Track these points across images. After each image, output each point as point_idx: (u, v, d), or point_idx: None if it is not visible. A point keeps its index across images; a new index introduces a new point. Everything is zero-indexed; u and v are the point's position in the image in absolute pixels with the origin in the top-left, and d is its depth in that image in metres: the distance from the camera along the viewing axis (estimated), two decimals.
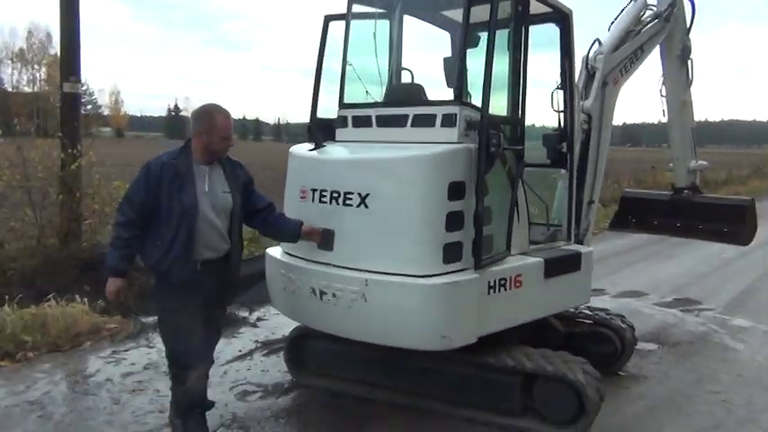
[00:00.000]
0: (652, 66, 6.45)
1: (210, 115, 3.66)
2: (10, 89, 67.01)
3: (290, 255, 4.30)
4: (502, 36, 4.18)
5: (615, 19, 5.96)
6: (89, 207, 7.58)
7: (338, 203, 3.97)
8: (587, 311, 5.24)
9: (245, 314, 6.56)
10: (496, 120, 3.99)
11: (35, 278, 6.52)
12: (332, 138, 4.58)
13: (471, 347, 3.89)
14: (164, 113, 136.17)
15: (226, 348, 5.55)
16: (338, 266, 3.90)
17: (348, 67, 4.60)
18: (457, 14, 5.17)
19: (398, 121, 4.19)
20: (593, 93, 5.44)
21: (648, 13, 6.17)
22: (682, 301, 7.51)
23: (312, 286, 3.99)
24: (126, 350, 5.48)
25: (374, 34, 4.66)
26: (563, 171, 5.01)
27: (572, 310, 5.08)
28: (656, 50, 6.29)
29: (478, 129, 3.90)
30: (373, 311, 3.74)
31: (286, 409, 4.39)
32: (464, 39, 4.06)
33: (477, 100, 4.08)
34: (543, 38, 4.82)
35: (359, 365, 4.49)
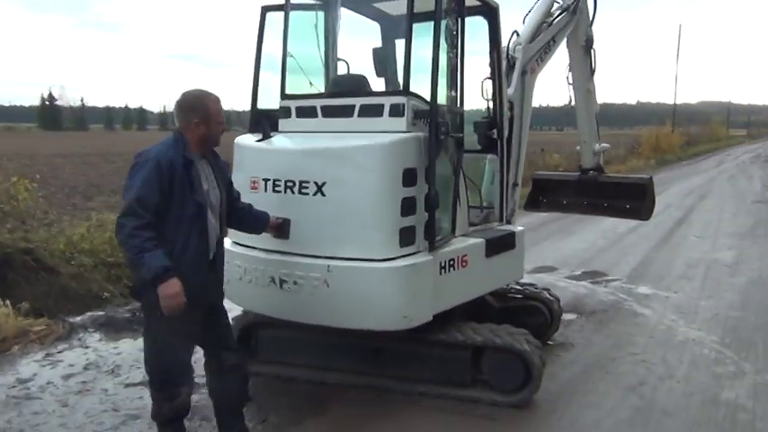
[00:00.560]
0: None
1: (204, 103, 3.40)
2: None
3: (242, 245, 4.33)
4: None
5: (529, 11, 6.32)
6: None
7: (293, 192, 4.04)
8: (517, 287, 5.60)
9: None
10: (442, 109, 4.19)
11: None
12: (274, 129, 4.62)
13: (422, 326, 4.11)
14: (36, 102, 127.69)
15: None
16: (298, 254, 3.99)
17: (288, 58, 4.66)
18: (389, 6, 5.36)
19: (345, 112, 4.30)
20: (514, 82, 5.76)
21: (557, 5, 6.60)
22: (590, 274, 8.12)
23: (271, 275, 4.06)
24: (59, 352, 5.29)
25: (315, 25, 4.74)
26: (491, 156, 5.33)
27: (505, 286, 5.42)
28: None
29: (428, 117, 4.10)
30: (336, 297, 3.87)
31: None
32: (409, 30, 4.19)
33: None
34: (471, 30, 5.08)
35: (312, 350, 4.59)
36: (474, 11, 4.92)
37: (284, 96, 4.62)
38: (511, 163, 5.58)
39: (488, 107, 5.17)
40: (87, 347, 5.40)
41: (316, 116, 4.42)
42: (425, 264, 3.99)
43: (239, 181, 4.42)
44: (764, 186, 19.46)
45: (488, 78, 5.11)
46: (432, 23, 4.22)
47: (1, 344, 5.30)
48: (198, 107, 3.39)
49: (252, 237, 4.21)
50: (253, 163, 4.36)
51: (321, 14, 4.87)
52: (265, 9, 4.85)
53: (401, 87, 4.22)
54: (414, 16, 4.38)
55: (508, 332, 4.37)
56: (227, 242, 4.50)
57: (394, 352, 4.44)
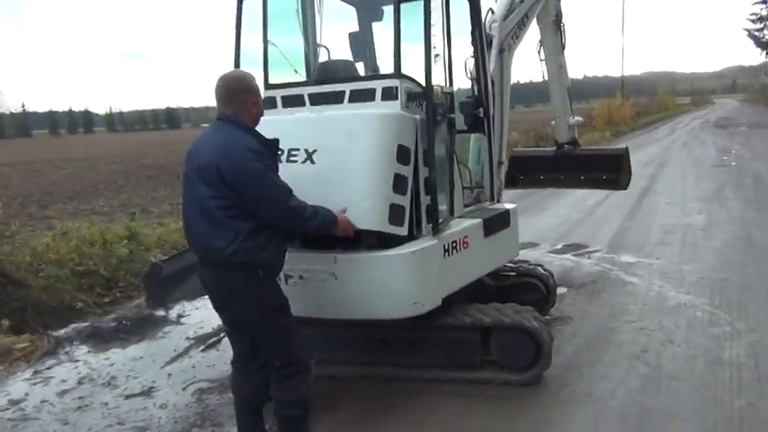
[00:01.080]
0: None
1: (253, 81, 3.38)
2: None
3: None
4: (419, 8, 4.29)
5: None
6: None
7: (281, 161, 3.83)
8: (510, 264, 5.60)
9: (162, 313, 6.27)
10: (436, 90, 4.12)
11: None
12: None
13: (428, 312, 4.04)
14: None
15: (159, 351, 5.34)
16: (301, 248, 3.89)
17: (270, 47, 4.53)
18: None
19: (334, 98, 4.18)
20: (493, 59, 5.71)
21: None
22: (571, 247, 8.20)
23: None
24: (48, 368, 5.08)
25: (297, 11, 4.61)
26: (476, 135, 5.29)
27: (503, 264, 5.39)
28: None
29: (421, 100, 4.04)
30: (344, 288, 3.79)
31: None
32: (398, 10, 4.09)
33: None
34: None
35: (317, 344, 4.48)
36: None
37: (268, 86, 4.49)
38: (495, 141, 5.57)
39: (472, 86, 5.12)
40: (77, 361, 5.20)
41: (303, 104, 4.29)
42: (432, 248, 3.94)
43: None
44: (719, 151, 20.01)
45: (471, 57, 5.06)
46: (415, 4, 4.14)
47: None
48: (252, 86, 3.35)
49: None
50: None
51: (298, 0, 4.73)
52: None
53: (384, 70, 4.13)
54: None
55: (515, 310, 4.35)
56: None
57: (401, 340, 4.37)
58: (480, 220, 4.59)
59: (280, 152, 3.80)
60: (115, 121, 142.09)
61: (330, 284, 3.81)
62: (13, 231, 10.10)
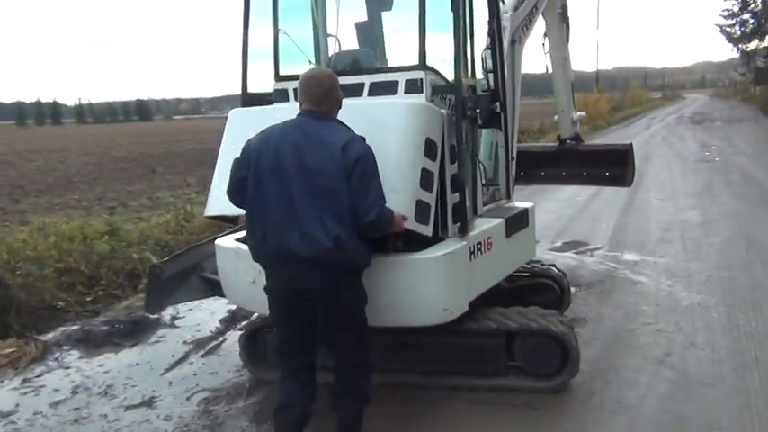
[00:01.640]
0: None
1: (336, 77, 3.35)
2: None
3: None
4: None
5: None
6: None
7: None
8: (524, 264, 5.40)
9: (156, 317, 5.95)
10: (464, 84, 3.91)
11: None
12: None
13: None
14: None
15: (156, 357, 5.05)
16: None
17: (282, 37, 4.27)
18: None
19: (352, 91, 3.91)
20: (505, 51, 5.53)
21: None
22: (571, 245, 8.05)
23: None
24: (38, 376, 4.75)
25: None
26: (488, 130, 5.09)
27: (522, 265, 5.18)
28: None
29: (445, 94, 3.83)
30: (370, 294, 3.54)
31: (263, 410, 4.03)
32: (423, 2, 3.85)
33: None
34: None
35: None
36: None
37: (279, 78, 4.24)
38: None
39: (487, 79, 4.91)
40: (68, 368, 4.88)
41: None
42: (461, 250, 3.73)
43: (229, 148, 3.99)
44: (700, 146, 20.14)
45: (488, 49, 4.84)
46: None
47: None
48: (337, 82, 3.31)
49: None
50: (251, 126, 3.80)
51: None
52: None
53: (394, 62, 3.88)
54: None
55: (540, 314, 4.16)
56: (230, 241, 4.14)
57: (421, 346, 4.14)
58: (502, 219, 4.39)
59: None
60: (85, 113, 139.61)
61: None
62: None
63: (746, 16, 49.42)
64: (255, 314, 4.57)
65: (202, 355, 5.04)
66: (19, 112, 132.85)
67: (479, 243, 4.00)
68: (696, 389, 4.07)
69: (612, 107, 42.22)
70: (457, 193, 3.77)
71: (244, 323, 5.64)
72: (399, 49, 5.28)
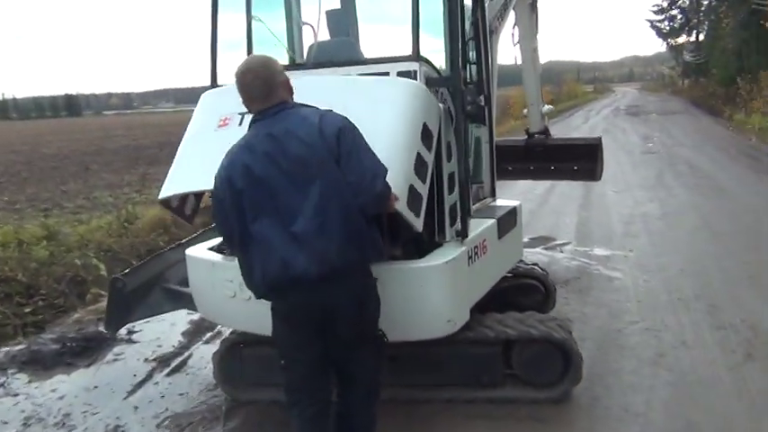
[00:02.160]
0: None
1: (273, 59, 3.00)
2: None
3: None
4: None
5: None
6: None
7: None
8: None
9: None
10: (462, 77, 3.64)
11: None
12: None
13: None
14: None
15: (116, 378, 4.61)
16: None
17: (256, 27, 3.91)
18: None
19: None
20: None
21: None
22: (538, 240, 7.91)
23: None
24: None
25: None
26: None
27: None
28: None
29: (439, 86, 3.57)
30: None
31: None
32: None
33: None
34: None
35: None
36: None
37: None
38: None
39: (470, 71, 4.65)
40: (17, 395, 4.38)
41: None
42: (462, 256, 3.46)
43: (198, 125, 3.63)
44: (642, 138, 20.55)
45: (471, 39, 4.59)
46: None
47: None
48: (276, 64, 2.92)
49: None
50: (221, 103, 3.53)
51: None
52: None
53: (370, 54, 3.61)
54: None
55: (538, 320, 3.94)
56: (206, 252, 3.76)
57: (413, 357, 3.85)
58: (494, 220, 4.15)
59: None
60: (9, 108, 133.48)
61: None
62: None
63: (675, 12, 51.23)
64: (229, 330, 4.18)
65: (168, 374, 4.62)
66: None
67: (476, 247, 3.75)
68: (699, 391, 3.94)
69: (551, 100, 42.91)
70: (454, 194, 3.50)
71: (209, 335, 5.26)
72: (375, 39, 5.01)
